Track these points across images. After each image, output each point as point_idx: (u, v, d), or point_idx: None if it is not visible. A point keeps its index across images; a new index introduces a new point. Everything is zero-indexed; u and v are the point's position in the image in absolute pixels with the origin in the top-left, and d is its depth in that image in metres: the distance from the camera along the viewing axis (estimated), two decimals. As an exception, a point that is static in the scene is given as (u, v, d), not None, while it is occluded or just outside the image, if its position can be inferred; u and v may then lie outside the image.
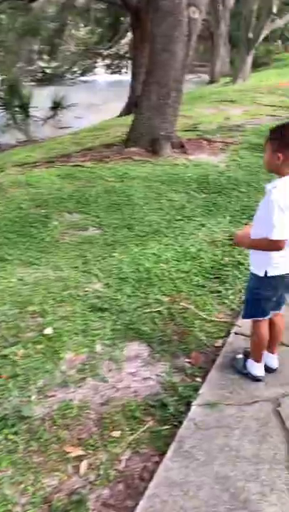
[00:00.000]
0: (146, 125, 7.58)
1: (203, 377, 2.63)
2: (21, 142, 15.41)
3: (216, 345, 2.93)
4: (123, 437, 2.28)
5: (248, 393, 2.45)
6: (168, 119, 7.54)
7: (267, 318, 2.41)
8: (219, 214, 5.00)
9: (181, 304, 3.33)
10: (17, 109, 14.60)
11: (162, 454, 2.17)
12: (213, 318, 3.17)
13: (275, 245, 2.13)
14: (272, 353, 2.57)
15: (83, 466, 2.13)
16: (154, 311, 3.27)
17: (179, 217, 4.93)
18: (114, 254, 4.17)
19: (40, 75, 29.30)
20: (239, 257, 4.01)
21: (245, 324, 3.00)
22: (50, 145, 11.48)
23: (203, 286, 3.57)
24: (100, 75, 32.16)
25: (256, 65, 23.40)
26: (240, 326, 3.01)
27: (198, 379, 2.64)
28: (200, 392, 2.47)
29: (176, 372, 2.71)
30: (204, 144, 8.00)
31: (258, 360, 2.50)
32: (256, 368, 2.51)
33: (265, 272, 2.25)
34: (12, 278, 3.85)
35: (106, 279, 3.75)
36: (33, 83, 27.48)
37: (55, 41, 27.84)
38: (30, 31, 18.40)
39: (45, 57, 29.31)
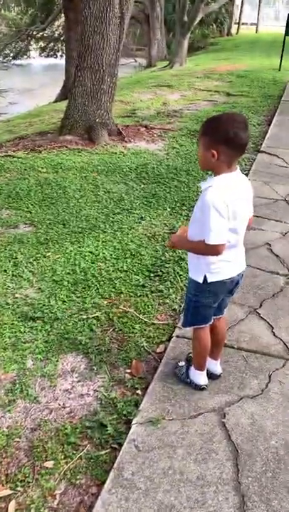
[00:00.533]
0: (81, 112, 7.22)
1: (145, 389, 2.44)
2: None
3: (158, 351, 2.75)
4: (57, 467, 2.05)
5: (191, 405, 2.29)
6: (103, 105, 7.21)
7: (208, 325, 2.24)
8: (159, 206, 4.81)
9: (120, 307, 3.12)
10: None
11: (101, 483, 1.97)
12: (154, 321, 2.99)
13: (212, 250, 1.95)
14: (216, 359, 2.43)
15: (11, 507, 1.88)
16: (92, 317, 3.03)
17: (118, 211, 4.69)
18: (47, 254, 3.87)
19: None
20: (180, 251, 3.84)
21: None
22: (-19, 133, 10.77)
23: (144, 286, 3.37)
24: (35, 58, 30.91)
25: (193, 49, 23.39)
26: (181, 328, 2.85)
27: (139, 391, 2.45)
28: (140, 407, 2.28)
29: (115, 385, 2.50)
30: (142, 131, 7.76)
31: (200, 368, 2.35)
32: (199, 377, 2.36)
33: (204, 278, 2.07)
34: None
35: (38, 283, 3.46)
36: None
37: (-16, 21, 26.33)
38: None
39: (-25, 38, 27.69)
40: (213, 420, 2.20)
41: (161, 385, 2.41)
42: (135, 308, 3.12)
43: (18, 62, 28.87)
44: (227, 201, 1.89)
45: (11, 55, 28.85)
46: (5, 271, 3.65)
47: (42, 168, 6.01)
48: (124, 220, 4.48)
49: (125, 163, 6.11)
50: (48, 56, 30.42)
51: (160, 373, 2.50)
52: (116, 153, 6.53)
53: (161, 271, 3.54)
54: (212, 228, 1.89)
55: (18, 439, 2.19)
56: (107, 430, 2.19)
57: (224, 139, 1.87)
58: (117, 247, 3.94)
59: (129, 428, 2.19)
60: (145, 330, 2.92)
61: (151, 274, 3.52)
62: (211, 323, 2.24)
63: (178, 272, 3.51)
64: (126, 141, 7.18)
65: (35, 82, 24.83)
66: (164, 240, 4.07)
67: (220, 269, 2.06)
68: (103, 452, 2.11)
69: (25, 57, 29.87)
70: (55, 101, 15.11)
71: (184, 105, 9.60)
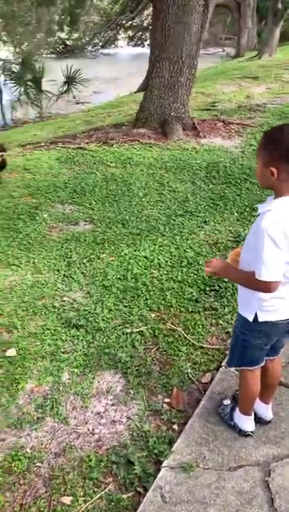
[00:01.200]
0: (156, 104, 6.98)
1: (182, 425, 2.18)
2: (35, 118, 14.95)
3: (203, 380, 2.47)
4: (74, 505, 1.87)
5: (232, 453, 2.00)
6: (180, 99, 6.92)
7: (258, 367, 1.93)
8: (226, 209, 4.46)
9: (168, 323, 2.87)
10: (30, 83, 13.98)
11: (118, 532, 1.76)
12: (203, 344, 2.70)
13: (263, 286, 1.64)
14: (266, 403, 2.10)
15: None
16: (136, 332, 2.82)
17: (180, 212, 4.41)
18: (102, 255, 3.71)
19: (60, 47, 28.54)
20: (243, 264, 3.49)
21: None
22: (60, 123, 10.98)
23: (197, 301, 3.09)
24: (123, 47, 31.19)
25: (285, 39, 22.10)
26: (233, 357, 2.53)
27: (176, 426, 2.19)
28: (174, 447, 2.03)
29: (150, 415, 2.27)
30: (219, 126, 7.36)
31: (247, 413, 2.04)
32: (245, 422, 2.05)
33: (255, 316, 1.76)
34: (-15, 281, 3.44)
35: (88, 287, 3.31)
36: (53, 55, 26.76)
37: (76, 11, 26.89)
38: (46, 1, 17.53)
39: (66, 28, 28.43)
40: (255, 477, 1.89)
41: (201, 424, 2.14)
42: (184, 326, 2.85)
43: (106, 51, 29.31)
44: (287, 230, 1.56)
45: (100, 44, 29.35)
46: (58, 270, 3.55)
47: (111, 162, 5.88)
48: (186, 223, 4.20)
49: (196, 160, 5.79)
50: (135, 45, 30.54)
51: (202, 409, 2.22)
52: (188, 149, 6.22)
53: (218, 285, 3.22)
54: (265, 261, 1.57)
55: (39, 464, 2.04)
56: (134, 469, 1.97)
57: (286, 156, 1.53)
58: (173, 253, 3.68)
59: (159, 470, 1.95)
60: (192, 354, 2.64)
61: (207, 288, 3.22)
62: (261, 365, 1.92)
63: (237, 289, 3.17)
64: (200, 137, 6.83)
65: (121, 72, 25.00)
66: (226, 249, 3.74)
67: (274, 307, 1.73)
68: (126, 496, 1.89)
69: (113, 46, 30.24)
70: (137, 91, 15.02)
71: (269, 99, 8.99)
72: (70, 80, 13.99)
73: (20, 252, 3.84)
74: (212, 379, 2.44)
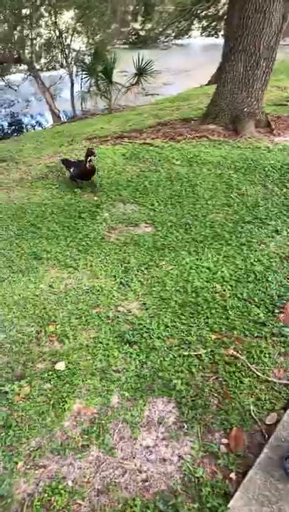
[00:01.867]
0: (229, 99, 6.60)
1: (241, 475, 1.92)
2: (103, 110, 14.97)
3: (268, 421, 2.18)
4: None
5: (299, 521, 1.71)
6: (254, 93, 6.48)
7: None
8: (300, 218, 4.06)
9: (229, 349, 2.59)
10: (101, 74, 13.95)
11: None
12: (269, 378, 2.40)
13: None
14: None
15: None
16: (194, 355, 2.57)
17: (249, 219, 4.07)
18: (161, 263, 3.49)
19: (133, 37, 28.50)
20: None
21: (311, 396, 2.21)
22: (128, 116, 10.86)
23: (264, 325, 2.78)
24: (196, 38, 30.56)
25: None
26: (304, 397, 2.22)
27: (234, 475, 1.93)
28: (230, 504, 1.77)
29: (205, 457, 2.03)
30: (296, 123, 6.84)
31: None
32: (317, 484, 1.75)
33: None
34: (41, 283, 3.34)
35: (145, 297, 3.10)
36: (126, 46, 26.77)
37: (151, 1, 26.65)
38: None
39: (140, 18, 28.30)
40: None
41: (263, 477, 1.86)
42: (248, 353, 2.56)
43: (178, 41, 28.88)
44: None
45: (173, 34, 28.96)
46: (114, 276, 3.37)
47: (176, 160, 5.62)
48: (255, 231, 3.86)
49: (269, 160, 5.37)
50: (209, 35, 29.80)
51: (265, 459, 1.94)
52: (260, 147, 5.81)
53: (289, 307, 2.89)
54: None
55: (80, 502, 1.87)
56: (183, 524, 1.74)
57: None
58: (239, 265, 3.37)
59: (211, 529, 1.71)
60: (256, 387, 2.35)
61: (276, 310, 2.89)
62: None
63: (311, 313, 2.83)
64: (274, 135, 6.38)
65: (193, 63, 24.49)
66: (299, 264, 3.37)
67: None
68: None
69: (186, 36, 29.71)
70: (208, 83, 14.56)
71: None
72: (141, 72, 13.79)
73: (79, 254, 3.71)
74: (278, 421, 2.15)
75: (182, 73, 22.90)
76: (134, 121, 9.27)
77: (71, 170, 5.05)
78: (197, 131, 6.77)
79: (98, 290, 3.21)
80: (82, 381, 2.44)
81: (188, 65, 23.84)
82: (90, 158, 4.69)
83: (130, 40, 28.27)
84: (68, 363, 2.57)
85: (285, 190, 4.63)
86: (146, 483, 1.93)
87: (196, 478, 1.92)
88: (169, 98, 13.00)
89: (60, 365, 2.54)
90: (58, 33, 16.31)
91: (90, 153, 4.70)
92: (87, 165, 4.73)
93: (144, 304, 3.05)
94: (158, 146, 6.21)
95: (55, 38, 16.76)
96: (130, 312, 2.97)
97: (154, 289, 3.19)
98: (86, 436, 2.14)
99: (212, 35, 29.74)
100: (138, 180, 5.06)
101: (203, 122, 7.01)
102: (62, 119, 16.18)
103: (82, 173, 4.89)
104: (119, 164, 5.64)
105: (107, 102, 14.83)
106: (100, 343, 2.71)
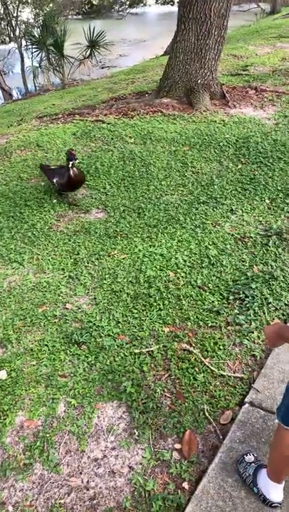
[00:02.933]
0: (182, 71, 6.33)
1: (194, 485, 1.80)
2: (57, 85, 14.36)
3: (222, 421, 2.06)
4: None
5: (254, 532, 1.61)
6: (207, 64, 6.23)
7: None
8: (256, 195, 3.93)
9: (183, 342, 2.45)
10: (51, 48, 13.28)
11: None
12: (223, 372, 2.28)
13: None
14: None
15: None
16: (146, 352, 2.42)
17: (204, 199, 3.91)
18: (113, 251, 3.30)
19: (86, 7, 27.39)
20: (274, 264, 3.02)
21: (267, 389, 2.11)
22: (82, 91, 10.42)
23: (218, 313, 2.65)
24: (151, 6, 29.66)
25: None
26: (259, 392, 2.12)
27: (186, 485, 1.81)
28: (182, 518, 1.66)
29: (157, 466, 1.90)
30: (251, 94, 6.66)
31: (276, 479, 1.63)
32: (272, 489, 1.65)
33: None
34: (-17, 282, 3.10)
35: (95, 291, 2.92)
36: (79, 17, 25.68)
37: None
38: None
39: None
40: None
41: (216, 485, 1.75)
42: (202, 347, 2.43)
43: (133, 10, 28.00)
44: None
45: (127, 3, 28.04)
46: (62, 270, 3.17)
47: (130, 137, 5.36)
48: (210, 212, 3.71)
49: (224, 134, 5.20)
50: (164, 3, 28.97)
51: (219, 464, 1.83)
52: (215, 121, 5.62)
53: (244, 292, 2.77)
54: None
55: (21, 529, 1.71)
56: None
57: None
58: (194, 250, 3.22)
59: None
60: (210, 384, 2.23)
61: (231, 297, 2.77)
62: None
63: (266, 298, 2.72)
64: (229, 107, 6.19)
65: (149, 32, 23.77)
66: (254, 245, 3.25)
67: None
68: None
69: (141, 5, 28.81)
70: (165, 53, 14.14)
71: (307, 61, 8.14)
72: (93, 44, 13.21)
73: (24, 247, 3.47)
74: (233, 419, 2.04)
75: (138, 44, 22.23)
76: (87, 97, 8.88)
77: (54, 181, 4.02)
78: (151, 105, 6.50)
79: (45, 286, 3.00)
80: (26, 390, 2.26)
81: (144, 35, 23.14)
82: (71, 163, 3.85)
83: (83, 10, 27.17)
84: (11, 370, 2.37)
85: (240, 166, 4.48)
86: (94, 502, 1.79)
87: (147, 492, 1.79)
88: (124, 70, 12.54)
89: (2, 374, 2.35)
90: (3, 3, 15.39)
91: (70, 157, 3.87)
92: (71, 172, 3.86)
93: (95, 298, 2.87)
94: (110, 123, 5.92)
95: (1, 9, 15.84)
96: (79, 309, 2.78)
97: (105, 281, 3.01)
98: (29, 453, 1.98)
99: (168, 3, 28.90)
100: (89, 161, 4.79)
101: (157, 96, 6.74)
102: (15, 96, 15.44)
103: (69, 184, 3.94)
104: (69, 144, 5.33)
105: (60, 77, 14.22)
106: (46, 345, 2.52)
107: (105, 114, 6.50)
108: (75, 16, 24.96)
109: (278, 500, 1.65)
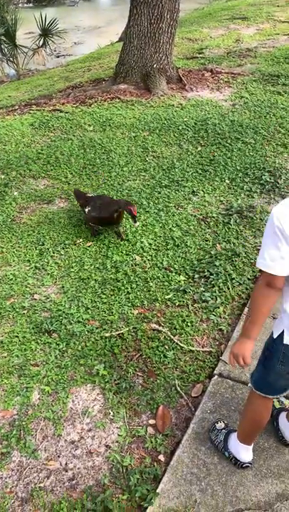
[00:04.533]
0: (137, 56, 6.31)
1: (170, 456, 1.87)
2: (12, 76, 14.00)
3: (193, 394, 2.14)
4: None
5: (228, 493, 1.69)
6: (162, 48, 6.23)
7: (273, 397, 1.57)
8: (216, 176, 4.00)
9: (152, 323, 2.51)
10: (2, 37, 12.91)
11: None
12: (192, 348, 2.35)
13: (262, 281, 1.32)
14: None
15: None
16: (116, 335, 2.46)
17: (166, 182, 3.95)
18: (78, 240, 3.31)
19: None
20: (236, 241, 3.10)
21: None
22: (37, 80, 10.22)
23: (185, 292, 2.72)
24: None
25: None
26: (226, 363, 2.20)
27: (162, 457, 1.88)
28: (159, 489, 1.72)
29: (133, 442, 1.96)
30: (207, 76, 6.71)
31: (246, 441, 1.71)
32: (242, 451, 1.73)
33: (281, 335, 1.40)
34: None
35: (62, 280, 2.93)
36: (30, 5, 24.96)
37: None
38: None
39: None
40: (256, 525, 1.59)
41: (190, 454, 1.82)
42: (170, 325, 2.49)
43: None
44: None
45: (79, -11, 27.44)
46: (28, 261, 3.15)
47: (89, 125, 5.33)
48: (172, 195, 3.76)
49: (182, 118, 5.24)
50: (117, -12, 28.57)
51: (192, 434, 1.90)
52: (173, 105, 5.65)
53: (208, 270, 2.84)
54: (262, 247, 1.24)
55: (2, 515, 1.74)
56: (113, 519, 1.67)
57: None
58: (158, 233, 3.27)
59: (142, 519, 1.65)
60: (180, 359, 2.30)
61: (196, 275, 2.84)
62: (278, 397, 1.56)
63: (230, 274, 2.80)
64: (186, 90, 6.22)
65: (103, 19, 23.40)
66: (217, 224, 3.32)
67: None
68: None
69: (94, -10, 28.27)
70: (120, 40, 14.00)
71: (260, 42, 8.24)
72: (46, 32, 12.93)
73: (-12, 240, 3.43)
74: (203, 391, 2.11)
75: (93, 31, 21.86)
76: (43, 87, 8.74)
77: (86, 210, 3.28)
78: (109, 92, 6.46)
79: (11, 279, 2.98)
80: (-1, 382, 2.26)
81: (98, 22, 22.77)
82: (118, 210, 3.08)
83: (34, -3, 26.46)
84: (-18, 364, 2.37)
85: (199, 148, 4.54)
86: (73, 482, 1.83)
87: (124, 468, 1.85)
88: (80, 58, 12.37)
89: (-27, 368, 2.34)
90: None
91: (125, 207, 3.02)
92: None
93: (62, 287, 2.88)
94: (68, 111, 5.86)
95: None
96: (48, 298, 2.79)
97: (72, 269, 3.02)
98: (6, 443, 1.99)
99: (120, -12, 28.49)
100: (49, 151, 4.74)
101: (114, 82, 6.70)
102: None
103: (103, 219, 3.17)
104: (27, 135, 5.26)
105: (14, 68, 13.87)
106: (16, 337, 2.52)
107: (63, 103, 6.42)
108: (26, 4, 24.27)
109: (248, 460, 1.73)
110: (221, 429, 1.84)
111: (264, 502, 1.65)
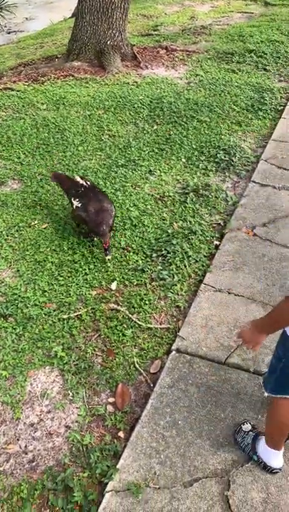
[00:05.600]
0: (90, 32, 6.14)
1: (129, 432, 1.89)
2: None
3: (152, 370, 2.16)
4: None
5: (186, 464, 1.73)
6: (115, 24, 6.09)
7: None
8: (172, 155, 3.99)
9: (110, 303, 2.50)
10: None
11: None
12: (150, 325, 2.37)
13: None
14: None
15: None
16: (74, 316, 2.44)
17: (122, 162, 3.91)
18: (33, 222, 3.23)
19: None
20: (192, 220, 3.12)
21: (191, 335, 2.23)
22: (-13, 58, 9.77)
23: (143, 271, 2.72)
24: None
25: None
26: (184, 339, 2.23)
27: (122, 434, 1.90)
28: (119, 464, 1.75)
29: (92, 421, 1.97)
30: (162, 54, 6.63)
31: (276, 446, 1.69)
32: (272, 456, 1.70)
33: None
34: None
35: (18, 264, 2.86)
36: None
37: None
38: None
39: None
40: (213, 492, 1.64)
41: (149, 429, 1.85)
42: (128, 304, 2.50)
43: None
44: None
45: None
46: (-18, 245, 3.06)
47: (42, 104, 5.17)
48: (129, 174, 3.73)
49: (138, 96, 5.17)
50: None
51: (150, 410, 1.92)
52: (128, 83, 5.56)
53: (166, 249, 2.85)
54: None
55: None
56: (74, 497, 1.68)
57: None
58: (116, 213, 3.23)
59: (103, 495, 1.67)
60: (138, 337, 2.32)
61: (154, 254, 2.84)
62: None
63: (186, 252, 2.82)
64: (141, 68, 6.13)
65: (55, -7, 22.57)
66: (173, 203, 3.33)
67: None
68: (64, 533, 1.61)
69: None
70: (73, 16, 13.56)
71: (214, 19, 8.20)
72: (-7, 6, 12.30)
73: None
74: (162, 367, 2.14)
75: (45, 6, 21.03)
76: (-7, 64, 8.36)
77: (74, 204, 2.94)
78: (62, 69, 6.27)
79: None
80: None
81: (51, -4, 21.96)
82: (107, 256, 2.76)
83: None
84: None
85: (155, 127, 4.51)
86: (33, 464, 1.83)
87: (84, 446, 1.86)
88: (32, 35, 11.90)
89: None
90: None
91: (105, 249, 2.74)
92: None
93: (18, 270, 2.82)
94: (20, 90, 5.65)
95: None
96: (2, 283, 2.72)
97: (27, 252, 2.95)
98: None
99: None
100: (0, 131, 4.57)
101: (67, 60, 6.50)
102: None
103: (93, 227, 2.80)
104: (-23, 115, 5.04)
105: None
106: (-29, 322, 2.46)
107: (14, 81, 6.18)
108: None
109: (279, 466, 1.71)
110: (248, 431, 1.80)
111: (220, 469, 1.71)
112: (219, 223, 3.11)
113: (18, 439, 1.92)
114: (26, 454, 1.86)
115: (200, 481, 1.67)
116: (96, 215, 2.78)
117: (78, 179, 3.10)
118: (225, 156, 3.85)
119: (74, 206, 2.93)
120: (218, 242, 2.92)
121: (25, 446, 1.89)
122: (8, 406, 2.04)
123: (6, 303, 2.55)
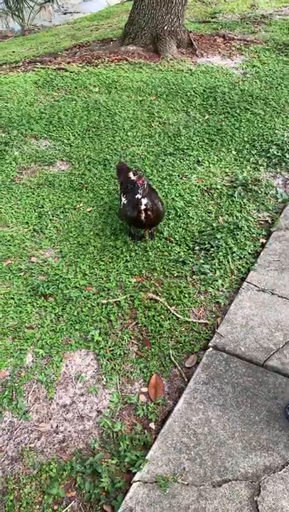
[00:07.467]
0: (148, 16, 6.05)
1: (160, 424, 1.87)
2: (17, 32, 13.51)
3: (187, 364, 2.13)
4: (30, 527, 1.60)
5: (216, 463, 1.70)
6: (174, 9, 5.97)
7: None
8: (223, 146, 3.90)
9: (149, 292, 2.48)
10: (8, -11, 12.37)
11: None
12: (188, 319, 2.34)
13: None
14: None
15: None
16: (113, 302, 2.44)
17: (171, 150, 3.85)
18: (78, 205, 3.24)
19: None
20: (239, 215, 3.05)
21: (230, 334, 2.18)
22: (43, 37, 9.89)
23: (184, 263, 2.68)
24: None
25: None
26: (222, 336, 2.18)
27: (153, 425, 1.89)
28: (149, 455, 1.73)
29: (124, 409, 1.96)
30: (219, 42, 6.47)
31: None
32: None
33: None
34: None
35: (61, 244, 2.88)
36: None
37: None
38: None
39: None
40: (242, 495, 1.61)
41: (181, 424, 1.83)
42: (168, 295, 2.46)
43: None
44: None
45: None
46: (27, 223, 3.10)
47: (94, 86, 5.16)
48: (177, 163, 3.67)
49: (191, 84, 5.07)
50: None
51: (184, 404, 1.90)
52: (182, 70, 5.46)
53: (209, 243, 2.80)
54: None
55: (-8, 473, 1.76)
56: (102, 482, 1.69)
57: None
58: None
59: (130, 484, 1.67)
60: (175, 330, 2.29)
61: (196, 247, 2.79)
62: None
63: (231, 247, 2.76)
64: (197, 55, 6.00)
65: (114, -25, 22.43)
66: (220, 196, 3.26)
67: None
68: (90, 517, 1.62)
69: None
70: (130, -1, 13.45)
71: (276, 8, 7.91)
72: (53, -14, 12.35)
73: (-14, 200, 3.36)
74: (197, 363, 2.11)
75: (103, -13, 20.99)
76: (49, 44, 8.45)
77: (122, 201, 2.76)
78: (116, 53, 6.23)
79: (9, 240, 2.94)
80: (-7, 342, 2.25)
81: (109, -23, 21.85)
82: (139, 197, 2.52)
83: None
84: (-23, 324, 2.35)
85: (207, 116, 4.41)
86: (64, 444, 1.85)
87: (115, 433, 1.86)
88: (88, 16, 11.90)
89: None
90: None
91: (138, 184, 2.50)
92: (141, 214, 2.56)
93: (61, 251, 2.84)
94: (73, 71, 5.66)
95: None
96: (45, 262, 2.75)
97: (70, 234, 2.97)
98: (-2, 402, 2.00)
99: None
100: (52, 111, 4.60)
101: (122, 43, 6.45)
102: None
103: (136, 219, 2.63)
104: (30, 94, 5.09)
105: (19, 22, 13.36)
106: (12, 298, 2.50)
107: (68, 62, 6.20)
108: None
109: None
110: None
111: (251, 474, 1.67)
112: (267, 220, 3.02)
113: (50, 419, 1.94)
114: (57, 434, 1.88)
115: (229, 483, 1.64)
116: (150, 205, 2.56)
117: (131, 175, 2.84)
118: (277, 152, 3.72)
119: (121, 204, 2.75)
120: (264, 240, 2.83)
121: (57, 427, 1.91)
122: (42, 385, 2.07)
123: (47, 282, 2.57)
